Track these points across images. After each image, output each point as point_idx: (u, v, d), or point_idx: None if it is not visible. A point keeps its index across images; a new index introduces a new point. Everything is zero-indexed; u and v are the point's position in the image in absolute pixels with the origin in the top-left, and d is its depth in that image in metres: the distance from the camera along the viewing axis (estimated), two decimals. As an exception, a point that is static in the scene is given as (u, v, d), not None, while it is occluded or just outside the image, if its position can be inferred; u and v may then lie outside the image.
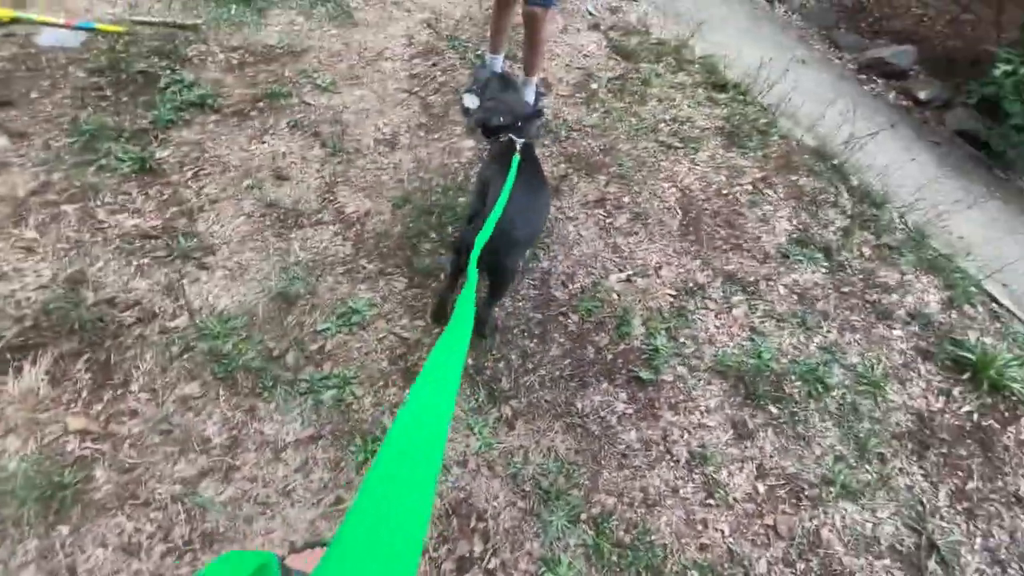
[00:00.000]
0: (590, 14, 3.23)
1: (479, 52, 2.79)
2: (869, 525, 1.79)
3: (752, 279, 2.30)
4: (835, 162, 2.83)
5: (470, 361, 1.82)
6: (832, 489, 1.81)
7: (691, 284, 2.22)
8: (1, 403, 1.46)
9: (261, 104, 2.28)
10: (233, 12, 2.56)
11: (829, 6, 4.19)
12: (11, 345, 1.55)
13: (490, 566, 1.49)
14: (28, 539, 1.31)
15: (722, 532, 1.67)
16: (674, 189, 2.54)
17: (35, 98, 2.08)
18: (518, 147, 1.69)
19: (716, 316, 2.16)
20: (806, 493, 1.80)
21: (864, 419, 2.00)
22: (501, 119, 1.80)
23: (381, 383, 1.72)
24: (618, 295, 2.11)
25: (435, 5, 2.97)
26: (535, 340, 1.93)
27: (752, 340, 2.11)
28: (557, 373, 1.87)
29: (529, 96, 2.52)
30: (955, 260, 2.60)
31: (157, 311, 1.69)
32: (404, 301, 1.89)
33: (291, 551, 1.39)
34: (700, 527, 1.67)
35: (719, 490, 1.74)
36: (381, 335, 1.81)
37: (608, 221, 2.33)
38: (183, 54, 2.33)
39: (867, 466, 1.90)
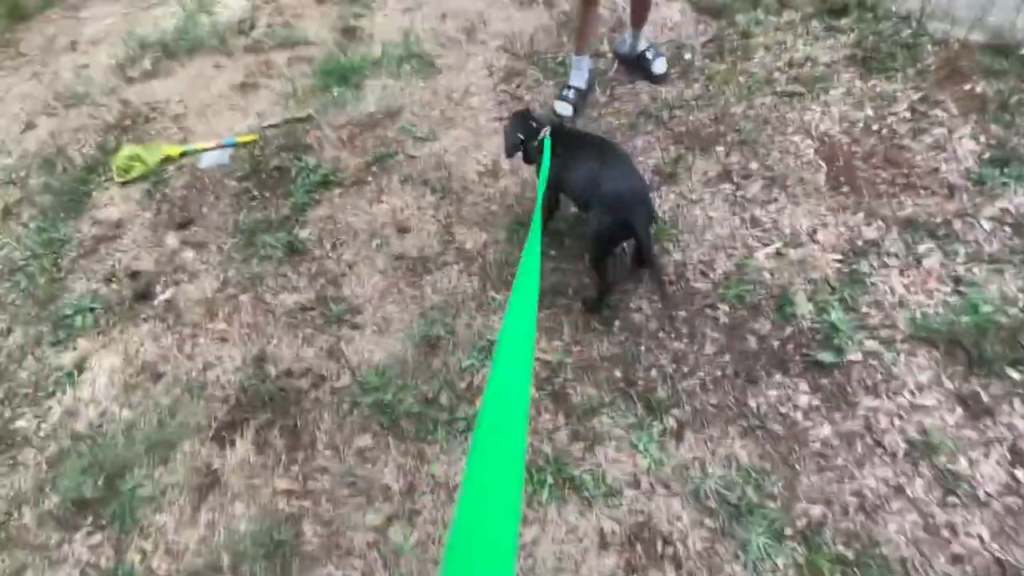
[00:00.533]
0: (666, -16, 3.02)
1: (559, 59, 2.74)
2: None
3: (939, 220, 1.89)
4: (1022, 52, 2.25)
5: (618, 374, 1.72)
6: None
7: (860, 242, 1.88)
8: (226, 474, 1.70)
9: (374, 168, 2.46)
10: (336, 94, 2.83)
11: None
12: (224, 423, 1.81)
13: (689, 595, 1.35)
14: (263, 593, 1.48)
15: (980, 538, 1.34)
16: (809, 140, 2.21)
17: (206, 212, 2.47)
18: (546, 133, 1.84)
19: (902, 273, 1.80)
20: (1094, 476, 1.38)
21: None
22: (519, 134, 1.92)
23: (533, 411, 1.69)
24: (770, 273, 1.87)
25: (506, 30, 3.00)
26: (685, 340, 1.77)
27: (959, 293, 1.72)
28: (719, 372, 1.68)
29: (640, 45, 2.55)
30: None
31: (325, 374, 1.87)
32: (538, 324, 1.86)
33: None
34: (947, 533, 1.36)
35: (961, 484, 1.41)
36: (523, 362, 1.79)
37: (739, 194, 2.09)
38: (304, 143, 2.63)
39: None
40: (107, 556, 1.62)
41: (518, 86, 2.69)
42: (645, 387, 1.68)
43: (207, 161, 2.67)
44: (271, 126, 2.74)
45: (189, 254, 2.32)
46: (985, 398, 1.53)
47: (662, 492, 1.51)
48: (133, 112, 3.00)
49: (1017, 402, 1.51)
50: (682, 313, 1.83)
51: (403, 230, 2.22)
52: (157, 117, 3.00)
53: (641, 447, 1.57)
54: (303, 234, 2.28)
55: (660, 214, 2.06)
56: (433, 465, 1.63)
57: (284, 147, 2.61)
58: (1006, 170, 1.96)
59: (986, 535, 1.34)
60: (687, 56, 2.64)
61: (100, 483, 1.73)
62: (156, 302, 2.19)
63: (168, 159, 2.71)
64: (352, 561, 1.51)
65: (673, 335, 1.78)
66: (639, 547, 1.43)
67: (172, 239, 2.40)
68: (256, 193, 2.48)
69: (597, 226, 1.71)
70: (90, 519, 1.69)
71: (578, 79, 2.48)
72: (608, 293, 1.84)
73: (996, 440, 1.46)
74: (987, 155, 2.02)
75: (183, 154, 2.72)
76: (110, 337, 2.11)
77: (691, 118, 2.39)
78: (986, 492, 1.39)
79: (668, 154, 2.26)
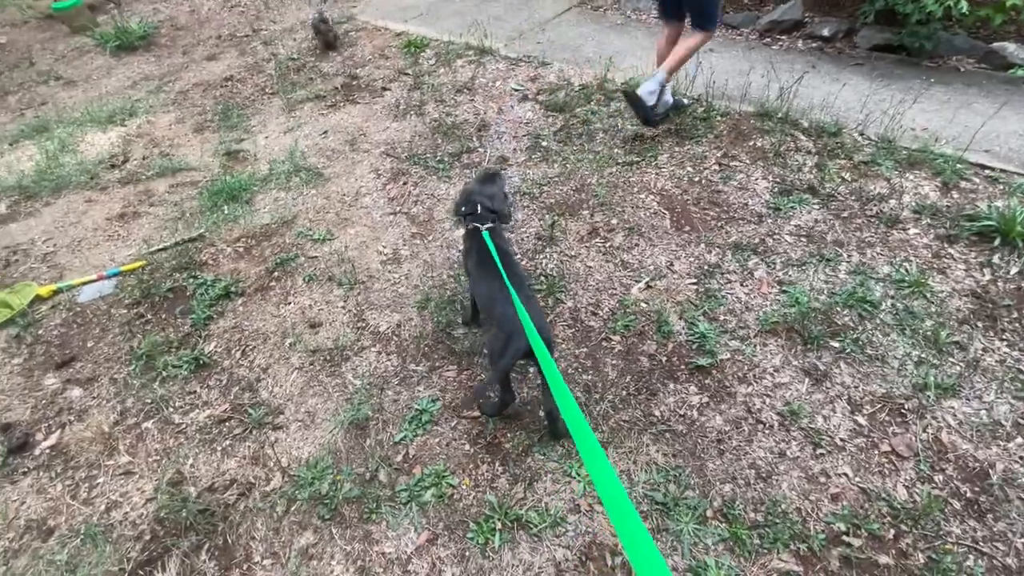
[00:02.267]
0: (515, 91, 3.61)
1: (438, 157, 3.10)
2: (983, 412, 1.75)
3: (757, 240, 2.41)
4: (779, 116, 3.03)
5: (540, 414, 1.88)
6: (928, 393, 1.80)
7: (706, 267, 2.32)
8: (147, 618, 1.53)
9: (276, 273, 2.53)
10: (227, 211, 2.91)
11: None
12: (140, 562, 1.64)
13: (643, 596, 1.47)
14: None
15: (846, 476, 1.65)
16: (652, 196, 2.72)
17: (91, 346, 2.33)
18: (484, 232, 1.82)
19: (741, 284, 2.24)
20: (906, 407, 1.79)
21: (923, 318, 2.02)
22: (464, 208, 1.94)
23: (471, 465, 1.78)
24: (646, 303, 2.21)
25: (385, 138, 3.35)
26: (591, 372, 2.00)
27: (785, 292, 2.18)
28: (624, 393, 1.93)
29: (651, 86, 2.80)
30: (929, 149, 2.71)
31: (252, 480, 1.80)
32: (461, 385, 2.00)
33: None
34: (823, 479, 1.65)
35: (823, 437, 1.74)
36: (453, 423, 1.90)
37: (607, 245, 2.48)
38: (199, 260, 2.63)
39: (950, 359, 1.89)
40: None
41: (404, 183, 2.98)
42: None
43: (87, 294, 2.55)
44: (160, 250, 2.72)
45: (75, 392, 2.15)
46: (821, 366, 1.92)
47: (600, 509, 1.65)
48: (-10, 258, 2.80)
49: (843, 364, 1.92)
50: (583, 349, 2.08)
51: (315, 325, 2.29)
52: (20, 258, 2.83)
53: (573, 473, 1.72)
54: (208, 348, 2.24)
55: (543, 277, 2.37)
56: (383, 544, 1.63)
57: (177, 267, 2.60)
58: (791, 198, 2.57)
59: (850, 472, 1.65)
60: (544, 144, 3.15)
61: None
62: (37, 451, 1.98)
63: (38, 299, 2.55)
64: (311, 669, 1.42)
65: (580, 369, 2.02)
66: (591, 566, 1.54)
67: (51, 379, 2.21)
68: (150, 316, 2.41)
69: (492, 343, 1.70)
70: None
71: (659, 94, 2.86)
72: (506, 405, 1.82)
73: (837, 397, 1.84)
74: (776, 189, 2.65)
75: (57, 291, 2.57)
76: (-20, 503, 1.85)
77: (557, 191, 2.82)
78: (840, 439, 1.73)
79: (544, 222, 2.63)
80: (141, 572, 1.63)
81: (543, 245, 2.52)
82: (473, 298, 2.06)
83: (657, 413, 1.86)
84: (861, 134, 2.88)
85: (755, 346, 2.01)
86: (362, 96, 3.80)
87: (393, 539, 1.63)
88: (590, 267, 2.40)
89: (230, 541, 1.67)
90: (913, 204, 2.48)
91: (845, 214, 2.48)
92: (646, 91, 2.79)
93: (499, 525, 1.62)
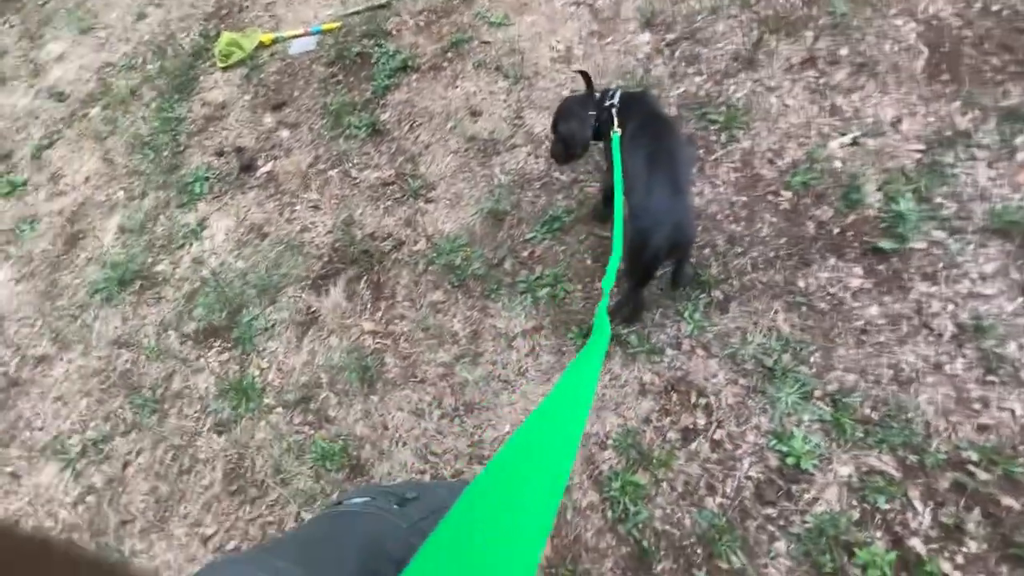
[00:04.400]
0: None
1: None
2: None
3: (1049, 110, 1.74)
4: None
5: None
6: None
7: (948, 133, 1.79)
8: (322, 314, 2.02)
9: (449, 54, 2.53)
10: (414, -20, 2.85)
11: None
12: (320, 275, 2.11)
13: (716, 437, 1.53)
14: (356, 403, 1.81)
15: (1012, 412, 1.39)
16: (913, 24, 2.03)
17: (297, 96, 2.68)
18: (615, 122, 1.50)
19: (990, 166, 1.71)
20: None
21: None
22: (578, 132, 1.59)
23: (588, 279, 1.84)
24: (842, 162, 1.83)
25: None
26: (742, 223, 1.81)
27: (1052, 187, 1.63)
28: (772, 254, 1.74)
29: None
30: None
31: (404, 239, 2.10)
32: (598, 205, 1.96)
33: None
34: (978, 406, 1.42)
35: (1005, 366, 1.44)
36: (582, 237, 1.92)
37: (821, 82, 2.00)
38: (384, 29, 2.72)
39: None
40: (233, 370, 2.01)
41: (597, -32, 2.58)
42: (696, 263, 1.77)
43: (296, 48, 2.84)
44: (353, 13, 2.84)
45: (284, 133, 2.57)
46: (1053, 289, 1.50)
47: (701, 354, 1.65)
48: (228, 2, 3.19)
49: (1088, 295, 1.48)
50: (742, 198, 1.86)
51: (475, 114, 2.32)
52: (249, 6, 3.17)
53: (686, 316, 1.70)
54: (384, 116, 2.45)
55: (724, 106, 2.03)
56: (496, 319, 1.85)
57: (366, 34, 2.72)
58: None
59: (1019, 410, 1.39)
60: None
61: (224, 316, 2.11)
62: (258, 174, 2.48)
63: (262, 45, 2.91)
64: (426, 388, 1.80)
65: (731, 218, 1.83)
66: (674, 396, 1.61)
67: (269, 119, 2.64)
68: (341, 78, 2.64)
69: (630, 234, 1.38)
70: (219, 342, 2.08)
71: None
72: (637, 307, 1.64)
73: (1054, 329, 1.46)
74: None
75: (275, 40, 2.90)
76: (223, 202, 2.44)
77: (781, 0, 2.24)
78: (1030, 374, 1.42)
79: (749, 38, 2.16)
80: (320, 281, 2.10)
81: (739, 68, 2.11)
82: (606, 187, 1.72)
83: (802, 284, 1.67)
84: None
85: (968, 244, 1.61)
86: None
87: (505, 318, 1.84)
88: (787, 105, 1.99)
89: (381, 280, 2.03)
90: None
91: None
92: None
93: (599, 336, 1.72)
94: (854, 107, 1.93)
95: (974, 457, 1.36)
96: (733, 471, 1.47)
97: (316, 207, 2.30)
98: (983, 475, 1.34)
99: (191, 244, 2.35)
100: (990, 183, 1.69)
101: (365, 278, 2.05)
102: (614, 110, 1.54)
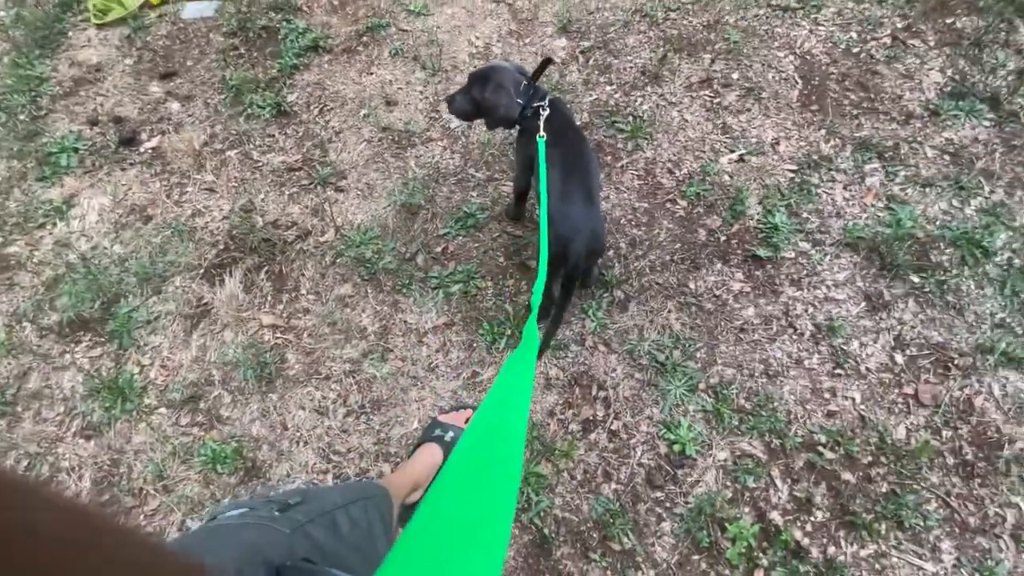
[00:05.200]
0: None
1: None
2: (1037, 393, 1.62)
3: (890, 144, 2.05)
4: (1009, -9, 2.31)
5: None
6: (990, 357, 1.66)
7: (815, 157, 2.04)
8: (216, 306, 1.87)
9: (364, 38, 2.44)
10: (328, -45, 2.70)
11: None
12: (214, 263, 1.95)
13: (613, 427, 1.63)
14: (252, 402, 1.71)
15: (852, 400, 1.64)
16: (792, 57, 2.28)
17: (190, 65, 2.44)
18: (541, 126, 1.46)
19: (845, 188, 1.98)
20: (956, 363, 1.67)
21: (1036, 283, 1.76)
22: (503, 109, 1.55)
23: (500, 276, 1.88)
24: (730, 176, 2.02)
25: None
26: (643, 228, 1.94)
27: (889, 209, 1.92)
28: (668, 257, 1.88)
29: None
30: None
31: (310, 228, 2.00)
32: (511, 204, 2.00)
33: (441, 412, 1.64)
34: (828, 395, 1.65)
35: (848, 360, 1.68)
36: (495, 235, 1.95)
37: (715, 101, 2.19)
38: (294, 4, 2.55)
39: (1037, 332, 1.69)
40: (107, 367, 1.81)
41: (518, -32, 2.61)
42: (601, 264, 1.87)
43: (191, 12, 2.58)
44: (259, -19, 2.63)
45: (175, 105, 2.33)
46: (887, 296, 1.77)
47: (603, 350, 1.75)
48: (107, -51, 2.81)
49: (911, 301, 1.76)
50: (644, 204, 1.99)
51: (391, 103, 2.27)
52: (134, -42, 2.82)
53: (590, 313, 1.79)
54: (291, 97, 2.30)
55: (632, 117, 2.16)
56: (407, 314, 1.83)
57: (273, 6, 2.54)
58: (961, 104, 2.10)
59: (858, 398, 1.63)
60: (691, -44, 2.59)
61: (97, 307, 1.88)
62: (142, 149, 2.23)
63: (148, 4, 2.61)
64: (331, 384, 1.74)
65: (633, 223, 1.96)
66: (577, 390, 1.70)
67: (156, 88, 2.38)
68: (243, 51, 2.45)
69: (552, 241, 1.32)
70: (89, 336, 1.86)
71: None
72: (559, 311, 1.58)
73: (886, 329, 1.73)
74: (948, 88, 2.15)
75: (164, 2, 2.61)
76: (97, 178, 2.17)
77: (684, 22, 2.41)
78: (867, 368, 1.68)
79: (656, 55, 2.31)
80: (214, 271, 1.94)
81: (645, 82, 2.25)
82: (519, 188, 1.76)
83: (692, 286, 1.83)
84: (1105, 44, 2.19)
85: (826, 255, 1.86)
86: None
87: (416, 313, 1.83)
88: (686, 120, 2.16)
89: (284, 271, 1.93)
90: (1114, 153, 1.97)
91: (1017, 142, 2.02)
92: None
93: (509, 332, 1.76)
94: (742, 127, 2.13)
95: (823, 439, 1.58)
96: (627, 459, 1.58)
97: (211, 190, 2.12)
98: (829, 454, 1.56)
99: (54, 224, 2.06)
100: (845, 203, 1.96)
101: (266, 269, 1.93)
102: (543, 112, 1.51)
